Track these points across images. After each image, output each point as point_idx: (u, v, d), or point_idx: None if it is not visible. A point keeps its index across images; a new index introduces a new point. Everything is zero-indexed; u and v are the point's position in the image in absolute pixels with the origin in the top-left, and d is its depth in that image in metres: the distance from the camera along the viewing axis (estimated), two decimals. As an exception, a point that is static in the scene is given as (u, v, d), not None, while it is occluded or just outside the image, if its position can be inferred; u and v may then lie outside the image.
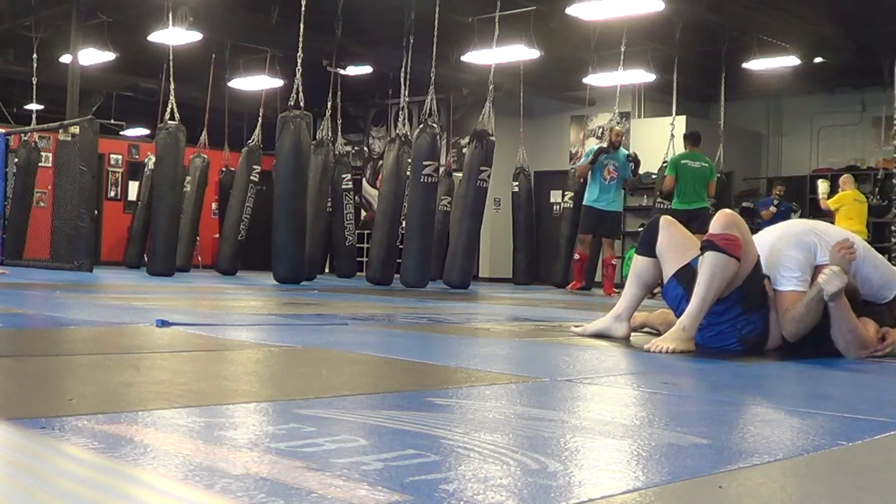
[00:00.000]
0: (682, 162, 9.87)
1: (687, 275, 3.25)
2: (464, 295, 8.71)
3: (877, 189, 13.06)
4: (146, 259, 11.66)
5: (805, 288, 3.12)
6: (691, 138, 10.16)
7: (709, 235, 3.16)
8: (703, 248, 3.15)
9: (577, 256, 10.13)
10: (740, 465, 1.33)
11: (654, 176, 12.63)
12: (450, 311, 5.44)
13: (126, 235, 14.78)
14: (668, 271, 3.36)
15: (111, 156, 16.77)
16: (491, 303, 7.40)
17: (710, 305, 3.14)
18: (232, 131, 15.13)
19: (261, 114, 13.32)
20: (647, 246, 3.45)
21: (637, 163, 9.87)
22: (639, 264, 3.50)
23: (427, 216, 10.00)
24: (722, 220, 3.17)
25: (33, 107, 13.05)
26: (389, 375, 2.42)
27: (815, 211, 12.68)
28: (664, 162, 11.89)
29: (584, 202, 10.11)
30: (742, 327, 3.21)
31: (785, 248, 3.20)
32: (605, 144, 9.96)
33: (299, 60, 9.44)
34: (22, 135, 13.02)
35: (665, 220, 3.45)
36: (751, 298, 3.19)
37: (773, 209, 12.46)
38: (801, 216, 12.52)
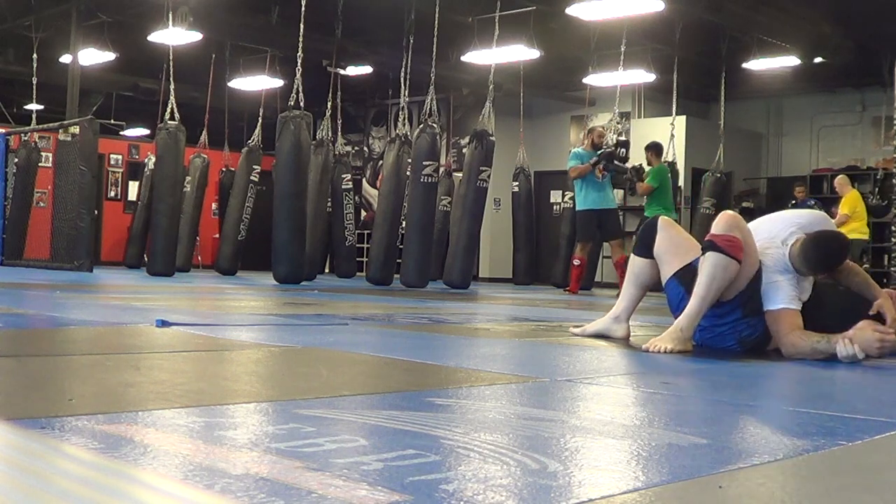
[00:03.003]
0: (668, 174, 10.01)
1: (688, 275, 3.25)
2: (464, 295, 8.71)
3: (877, 189, 13.07)
4: (146, 259, 11.66)
5: (796, 305, 3.11)
6: (656, 149, 10.23)
7: (710, 236, 3.15)
8: (704, 249, 3.15)
9: (577, 262, 10.01)
10: (740, 465, 1.33)
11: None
12: (450, 311, 5.44)
13: (126, 235, 14.78)
14: (668, 272, 3.36)
15: (111, 156, 16.78)
16: (491, 303, 7.40)
17: (708, 306, 3.13)
18: (232, 131, 15.13)
19: (261, 114, 13.33)
20: (645, 247, 3.45)
21: (626, 146, 9.82)
22: (636, 265, 3.50)
23: (427, 216, 9.99)
24: (724, 222, 3.16)
25: (33, 107, 13.05)
26: (389, 375, 2.42)
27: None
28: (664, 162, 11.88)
29: (578, 208, 9.84)
30: (742, 330, 3.21)
31: (776, 273, 3.17)
32: (611, 146, 9.89)
33: (299, 60, 9.45)
34: (22, 135, 13.01)
35: (664, 221, 3.46)
36: (752, 303, 3.18)
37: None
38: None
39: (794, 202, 13.00)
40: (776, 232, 3.27)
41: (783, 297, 3.12)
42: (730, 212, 3.32)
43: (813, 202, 12.76)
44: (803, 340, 3.02)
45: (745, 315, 3.19)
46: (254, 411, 1.68)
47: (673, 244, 3.39)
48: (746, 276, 3.16)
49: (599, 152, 9.65)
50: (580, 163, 9.57)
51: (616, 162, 9.65)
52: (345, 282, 11.45)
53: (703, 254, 3.15)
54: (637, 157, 11.42)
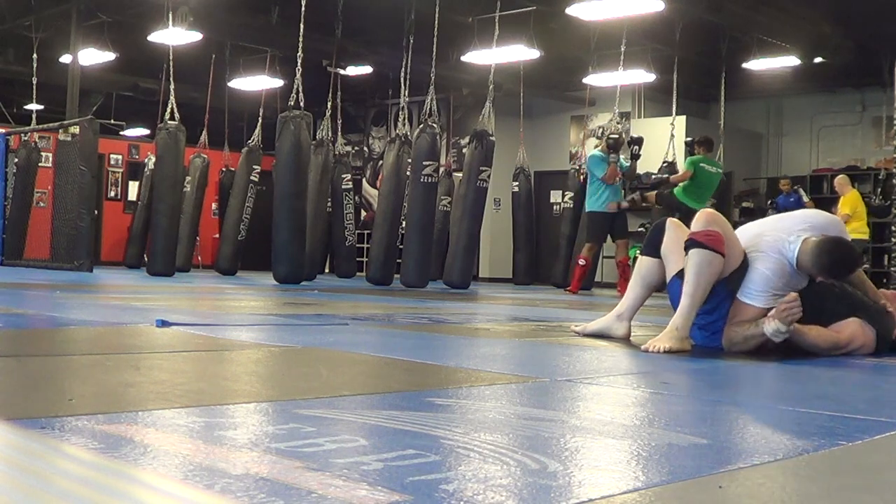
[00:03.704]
0: (701, 164, 10.00)
1: None
2: (464, 295, 8.71)
3: (879, 189, 13.07)
4: (146, 259, 11.67)
5: (764, 304, 3.15)
6: (706, 144, 10.23)
7: (690, 234, 3.22)
8: (687, 247, 3.20)
9: (582, 262, 9.98)
10: (740, 465, 1.33)
11: (654, 176, 12.64)
12: (450, 311, 5.44)
13: (126, 235, 14.78)
14: (672, 270, 3.39)
15: (111, 156, 16.77)
16: (491, 303, 7.40)
17: (700, 302, 3.17)
18: (232, 131, 15.13)
19: (261, 114, 13.33)
20: (653, 247, 3.48)
21: (639, 143, 9.79)
22: (644, 265, 3.53)
23: (427, 216, 9.99)
24: (703, 219, 3.24)
25: (33, 107, 13.05)
26: (389, 375, 2.42)
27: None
28: (664, 162, 11.90)
29: (593, 209, 9.81)
30: None
31: (758, 261, 3.21)
32: (631, 140, 9.91)
33: (299, 60, 9.45)
34: (22, 135, 13.01)
35: (671, 223, 3.50)
36: None
37: (769, 212, 12.65)
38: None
39: (770, 204, 13.10)
40: (788, 225, 3.32)
41: (751, 290, 3.19)
42: (708, 209, 3.40)
43: (800, 192, 12.83)
44: (736, 331, 3.13)
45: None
46: (254, 411, 1.68)
47: (679, 244, 3.41)
48: (730, 267, 3.22)
49: (610, 142, 9.67)
50: (606, 166, 9.58)
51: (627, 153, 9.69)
52: (345, 282, 11.45)
53: (686, 253, 3.19)
54: (652, 155, 11.45)
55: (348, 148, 16.22)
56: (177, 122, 10.33)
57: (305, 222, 9.78)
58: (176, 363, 2.49)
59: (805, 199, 12.68)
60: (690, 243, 3.18)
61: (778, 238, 3.22)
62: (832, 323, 3.17)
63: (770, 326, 2.99)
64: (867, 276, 3.55)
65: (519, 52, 11.91)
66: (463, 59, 12.70)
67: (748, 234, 3.39)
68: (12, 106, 15.54)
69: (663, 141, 12.11)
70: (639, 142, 9.76)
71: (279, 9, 12.00)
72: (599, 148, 9.97)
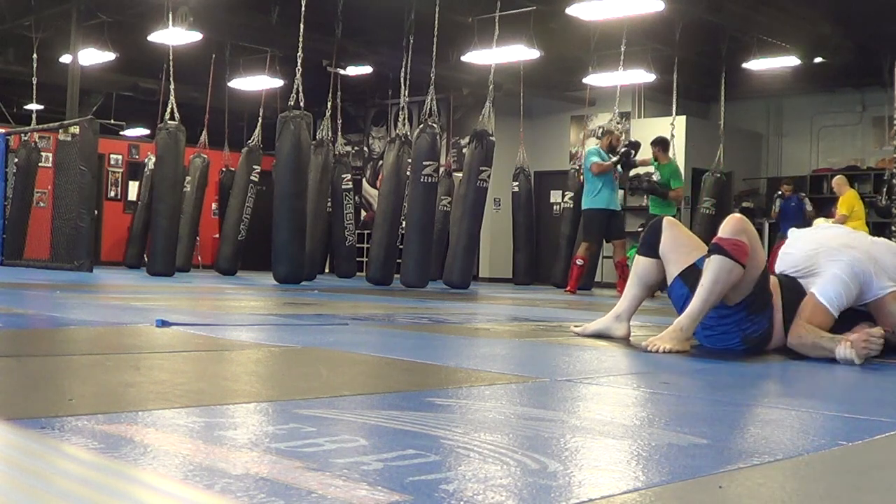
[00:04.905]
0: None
1: (692, 275, 3.25)
2: (464, 295, 8.71)
3: (885, 189, 13.05)
4: (146, 259, 11.67)
5: (834, 310, 3.10)
6: (661, 144, 10.28)
7: (717, 239, 3.16)
8: (711, 251, 3.16)
9: (580, 262, 9.97)
10: (740, 465, 1.33)
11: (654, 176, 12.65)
12: (450, 311, 5.44)
13: (126, 235, 14.79)
14: (673, 271, 3.37)
15: (111, 156, 16.78)
16: (491, 303, 7.40)
17: (710, 308, 3.14)
18: (232, 131, 15.14)
19: (261, 114, 13.33)
20: (650, 247, 3.46)
21: (636, 147, 9.79)
22: (641, 265, 3.50)
23: (427, 216, 10.00)
24: (731, 226, 3.18)
25: (33, 107, 13.06)
26: (389, 375, 2.42)
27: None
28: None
29: (590, 206, 9.76)
30: (746, 328, 3.21)
31: (839, 267, 3.15)
32: (628, 144, 9.92)
33: (299, 60, 9.45)
34: (22, 135, 13.02)
35: (668, 221, 3.47)
36: (758, 302, 3.20)
37: (775, 208, 12.65)
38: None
39: (779, 194, 13.10)
40: (884, 260, 3.20)
41: (832, 296, 3.11)
42: (737, 215, 3.32)
43: (804, 200, 12.84)
44: (810, 334, 3.03)
45: (750, 313, 3.20)
46: (254, 411, 1.68)
47: (678, 243, 3.40)
48: (752, 279, 3.17)
49: (621, 151, 9.65)
50: (602, 160, 9.57)
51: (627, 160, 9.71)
52: (345, 282, 11.45)
53: (708, 256, 3.16)
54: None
55: (348, 148, 16.22)
56: (177, 122, 10.33)
57: (305, 222, 9.79)
58: (176, 363, 2.48)
59: (807, 207, 12.66)
60: (715, 248, 3.13)
61: (870, 273, 3.15)
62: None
63: (843, 352, 2.86)
64: None
65: (519, 52, 11.91)
66: (463, 59, 12.71)
67: (842, 237, 3.34)
68: (12, 106, 15.56)
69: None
70: (635, 146, 9.74)
71: (279, 9, 12.01)
72: (600, 146, 9.96)
